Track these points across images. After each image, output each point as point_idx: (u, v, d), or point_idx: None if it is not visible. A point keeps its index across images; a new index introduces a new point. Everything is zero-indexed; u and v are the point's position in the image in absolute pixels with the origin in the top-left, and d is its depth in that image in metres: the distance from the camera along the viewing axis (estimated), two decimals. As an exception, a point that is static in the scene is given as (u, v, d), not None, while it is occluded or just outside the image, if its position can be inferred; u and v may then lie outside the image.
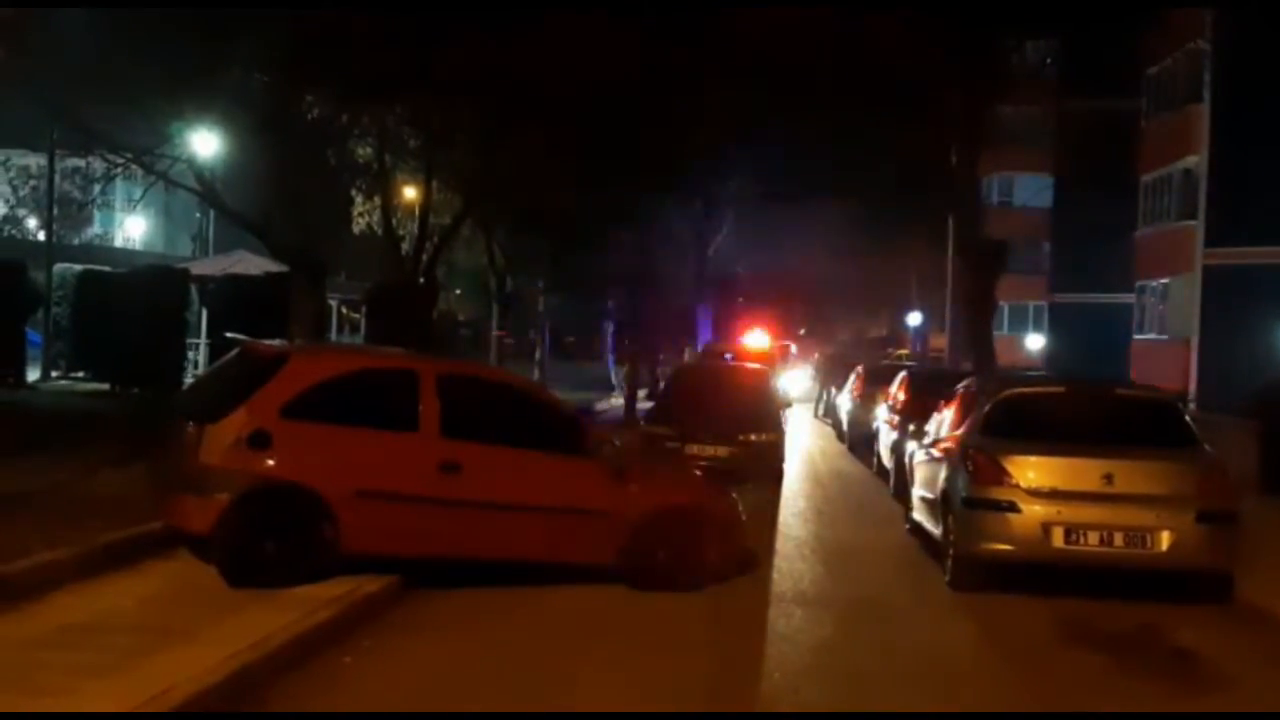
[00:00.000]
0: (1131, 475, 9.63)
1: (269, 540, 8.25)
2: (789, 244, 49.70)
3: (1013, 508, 9.58)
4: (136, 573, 8.41)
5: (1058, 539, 9.49)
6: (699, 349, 37.67)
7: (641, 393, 28.99)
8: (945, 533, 10.42)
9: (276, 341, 10.36)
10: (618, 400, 30.38)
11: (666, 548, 9.37)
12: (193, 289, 25.31)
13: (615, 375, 36.18)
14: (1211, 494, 9.65)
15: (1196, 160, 31.01)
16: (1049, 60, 32.13)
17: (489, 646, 7.71)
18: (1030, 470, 9.69)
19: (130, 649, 6.56)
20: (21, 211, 36.67)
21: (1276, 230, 27.89)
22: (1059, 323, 46.10)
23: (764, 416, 16.31)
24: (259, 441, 8.36)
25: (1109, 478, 9.56)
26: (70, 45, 14.84)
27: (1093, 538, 9.47)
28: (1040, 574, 9.74)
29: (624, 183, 23.19)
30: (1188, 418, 10.67)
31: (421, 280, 21.79)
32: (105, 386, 23.43)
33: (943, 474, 10.66)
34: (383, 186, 22.02)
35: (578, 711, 6.52)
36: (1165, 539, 9.43)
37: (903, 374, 20.34)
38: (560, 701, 6.63)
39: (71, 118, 16.75)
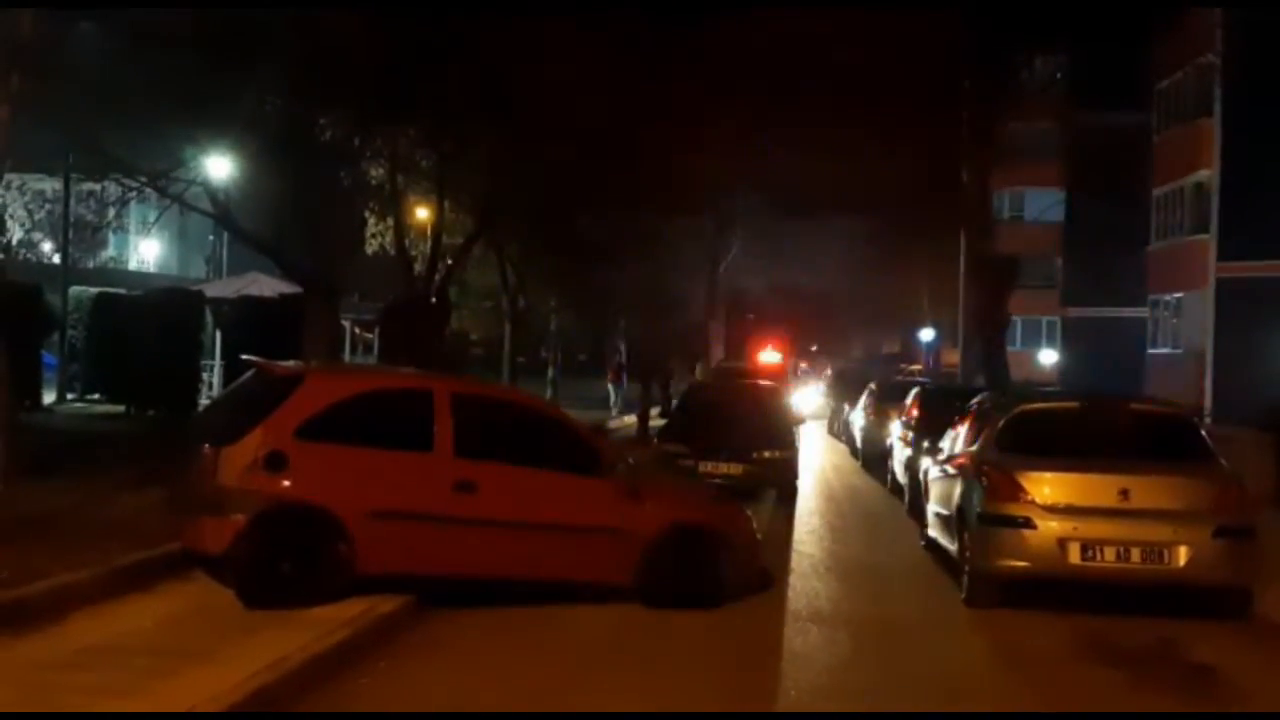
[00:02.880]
0: (1148, 490, 9.59)
1: (285, 561, 8.28)
2: (800, 261, 49.75)
3: (1028, 524, 9.55)
4: (154, 594, 8.45)
5: (1074, 555, 9.45)
6: (711, 366, 37.64)
7: (654, 410, 28.97)
8: (961, 549, 10.39)
9: (291, 363, 10.38)
10: (630, 419, 30.38)
11: (681, 566, 9.36)
12: (207, 311, 25.41)
13: (613, 394, 36.14)
14: (1229, 509, 9.62)
15: (1208, 174, 30.97)
16: (1059, 75, 32.22)
17: (505, 666, 7.72)
18: (1046, 486, 9.66)
19: (149, 670, 6.59)
20: (37, 235, 36.84)
21: (1289, 243, 27.90)
22: (1072, 337, 45.97)
23: (778, 433, 16.35)
24: (275, 463, 8.40)
25: (1125, 493, 9.53)
26: (86, 70, 14.93)
27: (1109, 553, 9.44)
28: (1057, 590, 9.71)
29: (634, 201, 23.24)
30: (1203, 432, 10.64)
31: (434, 300, 21.84)
32: (121, 408, 23.52)
33: (958, 490, 10.64)
34: (395, 207, 22.09)
35: (584, 712, 6.53)
36: (1183, 554, 9.39)
37: (916, 390, 20.34)
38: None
39: (87, 142, 16.85)
